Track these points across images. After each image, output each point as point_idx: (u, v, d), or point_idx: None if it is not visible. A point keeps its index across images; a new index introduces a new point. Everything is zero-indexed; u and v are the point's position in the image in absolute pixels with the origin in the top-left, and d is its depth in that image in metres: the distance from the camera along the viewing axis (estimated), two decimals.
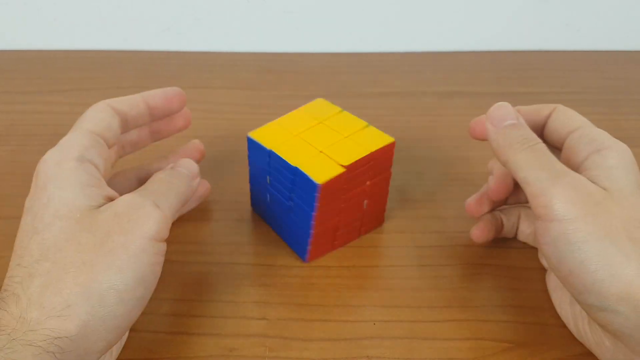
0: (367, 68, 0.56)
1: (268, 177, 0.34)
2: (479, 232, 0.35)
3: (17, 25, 0.57)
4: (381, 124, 0.48)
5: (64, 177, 0.28)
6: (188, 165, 0.32)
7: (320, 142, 0.33)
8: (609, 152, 0.29)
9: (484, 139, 0.34)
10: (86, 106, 0.50)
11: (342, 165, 0.31)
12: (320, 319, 0.32)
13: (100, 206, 0.27)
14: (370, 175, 0.34)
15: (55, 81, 0.53)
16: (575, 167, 0.30)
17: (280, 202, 0.34)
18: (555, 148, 0.32)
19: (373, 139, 0.33)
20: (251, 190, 0.38)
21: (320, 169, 0.31)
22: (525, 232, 0.36)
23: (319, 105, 0.37)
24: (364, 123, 0.35)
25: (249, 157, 0.35)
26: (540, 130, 0.33)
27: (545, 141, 0.33)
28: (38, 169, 0.29)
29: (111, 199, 0.28)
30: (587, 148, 0.29)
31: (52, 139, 0.46)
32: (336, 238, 0.35)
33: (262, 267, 0.35)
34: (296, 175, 0.32)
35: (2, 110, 0.50)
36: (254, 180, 0.37)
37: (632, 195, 0.27)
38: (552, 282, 0.33)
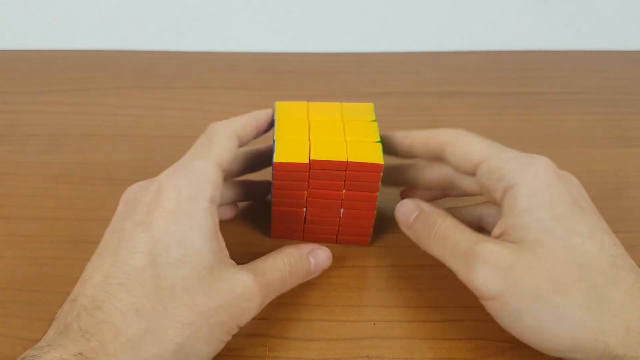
0: (367, 68, 0.56)
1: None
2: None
3: (17, 25, 0.57)
4: (381, 124, 0.48)
5: (198, 219, 0.27)
6: (322, 264, 0.33)
7: (318, 134, 0.33)
8: (518, 190, 0.28)
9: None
10: (86, 106, 0.50)
11: (310, 158, 0.31)
12: (320, 319, 0.32)
13: (220, 263, 0.27)
14: (348, 186, 0.33)
15: (55, 81, 0.53)
16: (499, 205, 0.30)
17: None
18: (467, 174, 0.32)
19: (363, 153, 0.32)
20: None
21: (291, 152, 0.31)
22: (469, 214, 0.35)
23: (361, 108, 0.36)
24: (377, 138, 0.33)
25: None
26: (437, 157, 0.33)
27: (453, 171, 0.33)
28: (165, 189, 0.28)
29: (223, 252, 0.28)
30: (500, 186, 0.29)
31: (52, 139, 0.46)
32: (306, 231, 0.36)
33: None
34: (272, 148, 0.32)
35: (2, 110, 0.50)
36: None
37: (549, 237, 0.27)
38: None
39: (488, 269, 0.27)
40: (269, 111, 0.35)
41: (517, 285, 0.26)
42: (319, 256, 0.33)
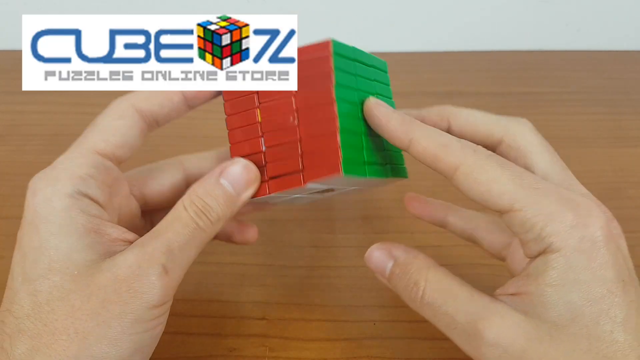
0: None
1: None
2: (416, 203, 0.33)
3: (17, 25, 0.57)
4: None
5: (57, 219, 0.25)
6: (237, 179, 0.26)
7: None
8: (553, 260, 0.23)
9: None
10: (86, 106, 0.50)
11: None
12: (320, 319, 0.32)
13: (101, 256, 0.24)
14: (300, 84, 0.26)
15: None
16: (523, 266, 0.25)
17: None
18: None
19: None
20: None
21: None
22: (485, 248, 0.32)
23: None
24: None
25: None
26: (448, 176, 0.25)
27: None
28: (27, 197, 0.26)
29: (114, 243, 0.25)
30: (534, 247, 0.24)
31: (52, 139, 0.46)
32: (268, 171, 0.26)
33: (262, 267, 0.35)
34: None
35: (2, 110, 0.50)
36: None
37: (573, 322, 0.23)
38: None
39: (496, 354, 0.23)
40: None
41: None
42: (231, 171, 0.26)
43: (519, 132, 0.28)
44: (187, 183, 0.31)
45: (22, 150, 0.45)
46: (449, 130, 0.29)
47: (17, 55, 0.60)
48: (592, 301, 0.23)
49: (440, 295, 0.25)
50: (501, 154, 0.26)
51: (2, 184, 0.42)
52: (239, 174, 0.26)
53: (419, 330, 0.32)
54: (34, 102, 0.50)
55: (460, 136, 0.27)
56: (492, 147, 0.28)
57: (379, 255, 0.27)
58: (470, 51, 0.59)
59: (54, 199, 0.25)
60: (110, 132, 0.27)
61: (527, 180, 0.24)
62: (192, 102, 0.28)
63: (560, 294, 0.23)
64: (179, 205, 0.25)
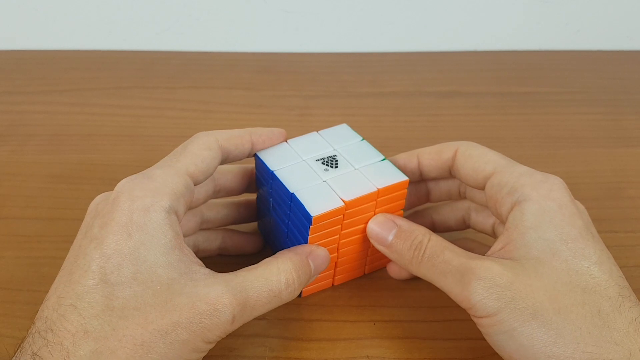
0: (367, 68, 0.56)
1: (270, 200, 0.32)
2: (396, 269, 0.34)
3: (17, 25, 0.57)
4: (381, 124, 0.48)
5: (151, 231, 0.25)
6: (322, 264, 0.30)
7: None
8: (527, 206, 0.27)
9: (403, 278, 0.34)
10: (86, 106, 0.50)
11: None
12: (320, 319, 0.32)
13: (181, 275, 0.25)
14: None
15: (55, 81, 0.53)
16: (503, 221, 0.29)
17: (279, 226, 0.32)
18: (475, 189, 0.32)
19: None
20: (257, 209, 0.36)
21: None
22: (482, 223, 0.34)
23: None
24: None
25: (256, 175, 0.33)
26: (447, 171, 0.32)
27: (459, 184, 0.33)
28: (120, 200, 0.26)
29: (192, 263, 0.26)
30: (508, 199, 0.28)
31: (52, 139, 0.46)
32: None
33: None
34: (292, 202, 0.30)
35: (2, 110, 0.50)
36: (259, 200, 0.35)
37: (554, 257, 0.26)
38: None
39: (485, 286, 0.25)
40: (273, 130, 0.32)
41: (515, 303, 0.25)
42: (318, 257, 0.30)
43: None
44: (215, 193, 0.34)
45: (22, 150, 0.45)
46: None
47: (17, 55, 0.60)
48: (567, 240, 0.26)
49: (440, 247, 0.28)
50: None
51: (2, 184, 0.42)
52: (323, 263, 0.30)
53: (419, 330, 0.32)
54: (34, 102, 0.50)
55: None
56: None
57: (383, 222, 0.30)
58: (470, 51, 0.59)
59: (152, 211, 0.26)
60: (199, 159, 0.29)
61: (507, 158, 0.30)
62: (255, 149, 0.32)
63: (539, 233, 0.27)
64: (272, 267, 0.28)
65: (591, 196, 0.41)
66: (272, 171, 0.31)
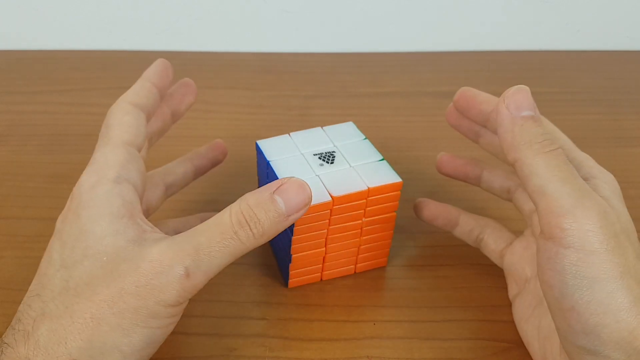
0: (367, 68, 0.56)
1: None
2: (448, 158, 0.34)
3: (17, 25, 0.57)
4: (381, 124, 0.48)
5: (96, 205, 0.25)
6: (294, 200, 0.25)
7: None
8: (599, 182, 0.26)
9: (449, 174, 0.34)
10: (86, 106, 0.50)
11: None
12: (320, 319, 0.32)
13: (128, 242, 0.25)
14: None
15: (55, 81, 0.53)
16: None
17: None
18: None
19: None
20: None
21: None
22: (490, 247, 0.33)
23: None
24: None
25: (258, 164, 0.34)
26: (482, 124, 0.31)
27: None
28: (73, 191, 0.27)
29: (145, 232, 0.25)
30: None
31: (52, 139, 0.46)
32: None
33: (262, 267, 0.35)
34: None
35: (2, 110, 0.50)
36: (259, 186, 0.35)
37: (624, 238, 0.24)
38: (519, 314, 0.31)
39: (598, 219, 0.24)
40: (158, 63, 0.32)
41: (612, 253, 0.23)
42: (288, 190, 0.25)
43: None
44: (167, 191, 0.34)
45: (22, 150, 0.45)
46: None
47: (17, 55, 0.60)
48: (616, 234, 0.24)
49: (568, 160, 0.25)
50: None
51: (2, 184, 0.42)
52: (297, 196, 0.25)
53: (419, 330, 0.32)
54: (34, 102, 0.50)
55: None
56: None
57: (531, 99, 0.26)
58: (470, 51, 0.59)
59: (98, 186, 0.26)
60: (124, 126, 0.28)
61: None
62: (161, 93, 0.32)
63: (620, 204, 0.26)
64: (225, 211, 0.25)
65: None
66: (268, 161, 0.31)
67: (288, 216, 0.25)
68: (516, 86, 0.26)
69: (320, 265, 0.33)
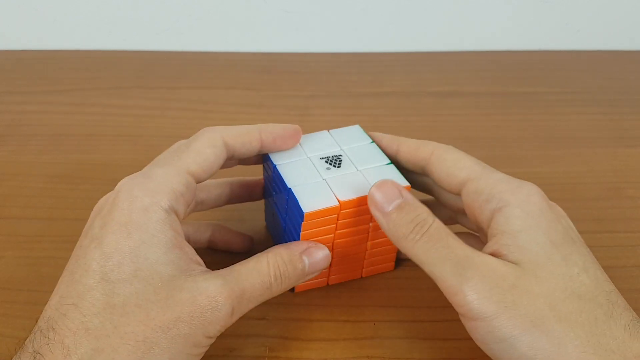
0: (367, 68, 0.56)
1: (273, 194, 0.32)
2: None
3: (17, 25, 0.57)
4: (381, 124, 0.48)
5: (150, 231, 0.25)
6: (318, 264, 0.29)
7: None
8: (510, 211, 0.27)
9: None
10: (86, 106, 0.50)
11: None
12: (320, 319, 0.32)
13: (181, 273, 0.25)
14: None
15: (55, 81, 0.53)
16: (484, 227, 0.28)
17: (279, 220, 0.32)
18: (450, 192, 0.30)
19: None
20: (265, 204, 0.36)
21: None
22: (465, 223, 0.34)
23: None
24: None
25: (264, 168, 0.33)
26: (422, 169, 0.31)
27: (434, 184, 0.32)
28: (120, 200, 0.26)
29: (192, 262, 0.26)
30: (487, 207, 0.27)
31: (52, 139, 0.46)
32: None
33: None
34: (289, 197, 0.30)
35: (2, 110, 0.50)
36: (267, 194, 0.35)
37: (548, 261, 0.25)
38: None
39: (487, 286, 0.24)
40: (286, 127, 0.31)
41: (516, 308, 0.24)
42: (314, 255, 0.29)
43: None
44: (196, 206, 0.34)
45: (22, 150, 0.45)
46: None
47: (17, 55, 0.60)
48: (555, 245, 0.26)
49: (444, 232, 0.27)
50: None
51: (2, 184, 0.42)
52: (320, 261, 0.30)
53: (419, 330, 0.32)
54: (34, 102, 0.50)
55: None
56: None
57: (392, 190, 0.28)
58: (470, 51, 0.59)
59: (151, 210, 0.26)
60: (202, 156, 0.28)
61: (482, 164, 0.30)
62: (265, 149, 0.31)
63: (530, 236, 0.26)
64: (262, 260, 0.28)
65: (591, 196, 0.41)
66: (275, 165, 0.31)
67: (308, 275, 0.30)
68: (375, 184, 0.28)
69: (327, 269, 0.33)
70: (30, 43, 0.58)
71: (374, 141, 0.33)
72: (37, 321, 0.25)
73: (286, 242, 0.31)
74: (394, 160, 0.32)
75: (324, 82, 0.54)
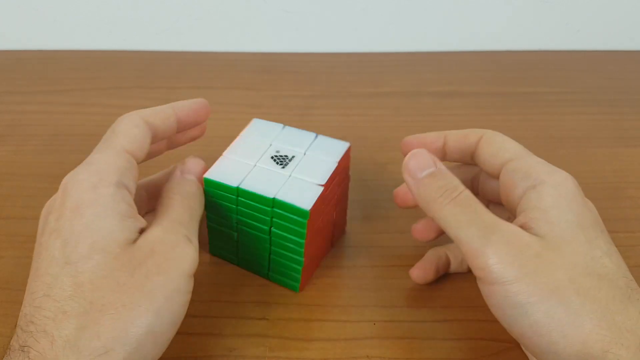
0: (367, 68, 0.56)
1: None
2: (419, 272, 0.33)
3: (17, 25, 0.57)
4: (381, 124, 0.48)
5: (102, 204, 0.26)
6: (195, 169, 0.31)
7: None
8: (544, 189, 0.27)
9: (410, 206, 0.34)
10: (86, 106, 0.50)
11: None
12: (320, 319, 0.32)
13: (135, 239, 0.26)
14: (338, 183, 0.33)
15: (55, 81, 0.53)
16: (514, 205, 0.29)
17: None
18: (491, 177, 0.31)
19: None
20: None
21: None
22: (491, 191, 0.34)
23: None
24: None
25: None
26: (470, 156, 0.32)
27: (477, 169, 0.32)
28: (68, 188, 0.27)
29: (143, 230, 0.27)
30: (522, 184, 0.28)
31: (52, 139, 0.46)
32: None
33: None
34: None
35: (2, 110, 0.50)
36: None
37: (574, 239, 0.26)
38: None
39: (507, 249, 0.25)
40: (197, 101, 0.33)
41: (536, 275, 0.24)
42: (190, 166, 0.32)
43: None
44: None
45: (22, 150, 0.45)
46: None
47: (17, 55, 0.60)
48: (583, 227, 0.26)
49: (473, 199, 0.27)
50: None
51: (2, 184, 0.42)
52: (196, 167, 0.32)
53: (419, 330, 0.32)
54: (34, 102, 0.51)
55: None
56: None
57: (426, 158, 0.29)
58: (470, 51, 0.59)
59: (101, 186, 0.27)
60: (130, 136, 0.29)
61: (526, 149, 0.30)
62: (181, 125, 0.32)
63: (560, 214, 0.27)
64: (168, 193, 0.30)
65: (591, 196, 0.41)
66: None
67: (197, 181, 0.31)
68: (410, 152, 0.29)
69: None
70: (30, 43, 0.58)
71: (285, 125, 0.34)
72: (16, 324, 0.25)
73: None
74: (440, 153, 0.33)
75: (324, 82, 0.54)
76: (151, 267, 0.25)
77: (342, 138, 0.34)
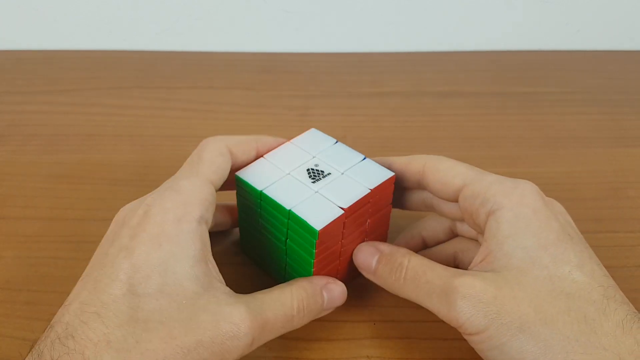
0: (367, 68, 0.56)
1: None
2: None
3: (17, 25, 0.57)
4: (381, 124, 0.48)
5: (180, 243, 0.26)
6: (334, 295, 0.30)
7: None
8: (502, 215, 0.27)
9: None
10: (86, 106, 0.50)
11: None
12: (320, 319, 0.32)
13: (204, 289, 0.25)
14: (371, 213, 0.31)
15: (55, 81, 0.53)
16: (481, 231, 0.29)
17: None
18: (448, 200, 0.31)
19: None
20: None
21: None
22: (467, 231, 0.33)
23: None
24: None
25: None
26: (417, 183, 0.32)
27: (432, 197, 0.32)
28: (152, 213, 0.26)
29: (214, 279, 0.26)
30: (482, 210, 0.28)
31: (52, 139, 0.46)
32: (340, 278, 0.32)
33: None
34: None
35: (2, 110, 0.50)
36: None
37: (534, 265, 0.26)
38: None
39: (470, 304, 0.25)
40: (278, 140, 0.32)
41: (501, 317, 0.25)
42: (333, 291, 0.30)
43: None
44: None
45: (22, 150, 0.45)
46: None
47: (17, 55, 0.60)
48: (545, 246, 0.26)
49: (421, 268, 0.28)
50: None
51: (2, 184, 0.42)
52: (337, 298, 0.30)
53: (419, 330, 0.32)
54: (34, 102, 0.51)
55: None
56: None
57: (367, 250, 0.31)
58: (470, 51, 0.59)
59: (184, 221, 0.26)
60: (215, 165, 0.29)
61: (475, 168, 0.30)
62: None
63: (517, 242, 0.26)
64: (286, 291, 0.28)
65: (591, 196, 0.41)
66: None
67: (326, 310, 0.30)
68: (354, 250, 0.31)
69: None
70: (30, 43, 0.58)
71: (338, 141, 0.33)
72: (50, 323, 0.24)
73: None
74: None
75: (324, 82, 0.54)
76: (206, 338, 0.24)
77: (342, 138, 0.33)
